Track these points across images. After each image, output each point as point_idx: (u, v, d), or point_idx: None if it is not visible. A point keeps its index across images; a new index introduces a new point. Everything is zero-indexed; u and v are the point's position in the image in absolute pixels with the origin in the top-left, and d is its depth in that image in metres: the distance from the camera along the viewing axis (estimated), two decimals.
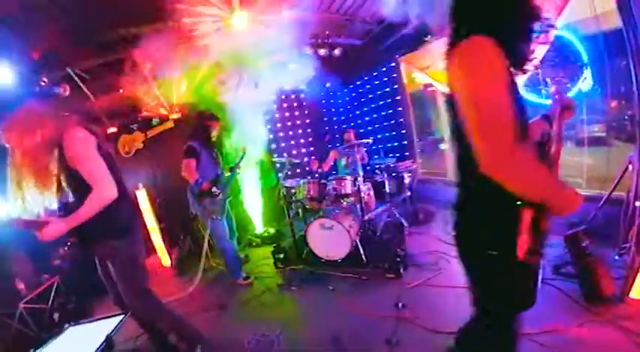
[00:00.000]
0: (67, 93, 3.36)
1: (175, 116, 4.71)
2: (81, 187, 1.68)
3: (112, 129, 4.53)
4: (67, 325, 1.60)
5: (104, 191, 1.68)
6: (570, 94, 2.71)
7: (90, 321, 1.65)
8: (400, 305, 2.37)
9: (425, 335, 2.05)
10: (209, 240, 3.36)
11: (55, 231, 1.62)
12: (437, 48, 3.85)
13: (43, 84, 3.12)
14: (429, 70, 4.09)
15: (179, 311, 2.26)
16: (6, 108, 1.71)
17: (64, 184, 1.71)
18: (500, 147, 0.84)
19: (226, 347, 2.34)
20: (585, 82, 2.58)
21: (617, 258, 2.33)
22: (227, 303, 2.97)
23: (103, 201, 1.68)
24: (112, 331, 1.45)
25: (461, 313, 1.84)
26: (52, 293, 2.85)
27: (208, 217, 3.14)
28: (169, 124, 4.69)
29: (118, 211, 1.78)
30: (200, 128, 3.24)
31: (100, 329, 1.49)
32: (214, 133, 3.31)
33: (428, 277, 2.72)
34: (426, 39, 3.98)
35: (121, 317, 1.58)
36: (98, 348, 1.32)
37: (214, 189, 3.08)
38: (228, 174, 3.44)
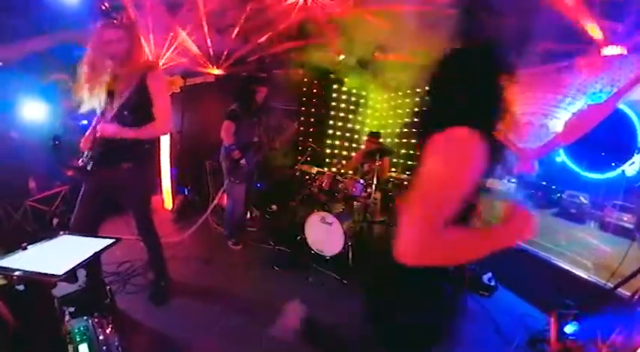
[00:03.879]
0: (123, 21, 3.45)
1: (217, 71, 4.77)
2: (143, 116, 1.96)
3: None
4: (62, 232, 1.67)
5: (167, 124, 2.06)
6: (612, 174, 2.57)
7: (83, 235, 1.72)
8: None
9: None
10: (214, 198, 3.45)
11: (113, 131, 1.87)
12: None
13: (103, 7, 3.22)
14: None
15: (166, 252, 2.38)
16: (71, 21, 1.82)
17: (125, 108, 1.93)
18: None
19: (194, 297, 2.44)
20: (632, 166, 2.45)
21: None
22: (211, 260, 3.06)
23: (162, 132, 2.11)
24: (101, 249, 1.51)
25: None
26: (58, 200, 3.00)
27: (228, 178, 3.23)
28: (210, 78, 4.77)
29: (154, 146, 2.14)
30: (245, 92, 3.25)
31: (90, 244, 1.55)
32: (259, 99, 3.29)
33: None
34: None
35: (112, 240, 1.64)
36: (84, 261, 1.38)
37: (243, 161, 3.16)
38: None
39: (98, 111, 1.98)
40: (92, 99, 1.95)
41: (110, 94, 1.94)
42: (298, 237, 3.48)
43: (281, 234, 3.75)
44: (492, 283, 3.09)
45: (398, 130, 5.80)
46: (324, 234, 3.28)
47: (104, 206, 2.09)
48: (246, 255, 3.34)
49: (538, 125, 3.10)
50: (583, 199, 2.77)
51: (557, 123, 2.88)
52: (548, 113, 3.02)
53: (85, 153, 1.98)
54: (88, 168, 1.95)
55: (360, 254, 3.29)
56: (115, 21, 1.92)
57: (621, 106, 2.56)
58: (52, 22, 2.58)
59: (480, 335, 2.44)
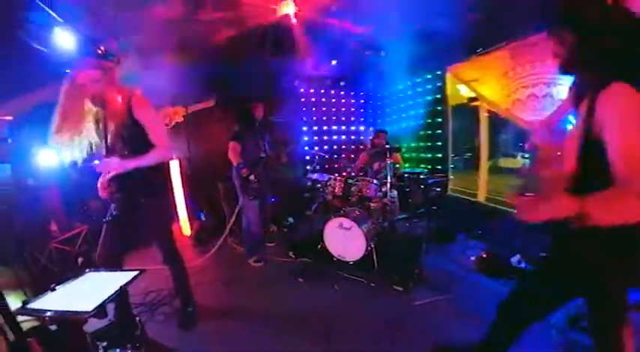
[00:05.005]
0: (120, 63, 3.60)
1: (217, 96, 4.88)
2: (142, 147, 1.94)
3: None
4: (87, 270, 1.71)
5: (167, 148, 2.02)
6: None
7: (108, 271, 1.75)
8: (402, 321, 2.33)
9: None
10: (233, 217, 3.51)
11: (117, 166, 1.87)
12: (488, 61, 3.70)
13: (99, 51, 3.36)
14: (475, 83, 3.94)
15: (190, 278, 2.40)
16: (66, 68, 1.89)
17: (122, 145, 1.95)
18: None
19: (222, 319, 2.44)
20: None
21: None
22: (235, 280, 3.07)
23: (164, 156, 2.04)
24: (126, 283, 1.53)
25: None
26: (80, 240, 3.09)
27: (242, 195, 3.32)
28: (211, 103, 4.87)
29: (164, 171, 2.15)
30: (244, 113, 3.35)
31: (115, 279, 1.57)
32: (258, 116, 3.39)
33: (436, 298, 2.63)
34: (478, 51, 3.82)
35: (137, 272, 1.67)
36: (111, 295, 1.40)
37: (252, 177, 3.24)
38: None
39: (96, 157, 1.98)
40: (81, 146, 1.93)
41: (103, 136, 1.94)
42: (318, 246, 3.47)
43: (301, 246, 3.74)
44: (522, 265, 2.99)
45: (405, 125, 5.78)
46: (344, 240, 3.25)
47: (127, 239, 2.10)
48: (268, 270, 3.33)
49: (542, 96, 3.04)
50: None
51: (562, 89, 2.80)
52: (550, 81, 2.95)
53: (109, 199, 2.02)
54: (115, 212, 2.00)
55: (384, 254, 3.25)
56: (87, 61, 1.89)
57: None
58: (53, 71, 2.71)
59: None
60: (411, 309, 2.49)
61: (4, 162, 2.89)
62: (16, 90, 2.34)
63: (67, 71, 1.86)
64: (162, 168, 2.15)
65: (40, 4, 2.34)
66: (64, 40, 2.94)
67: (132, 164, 1.91)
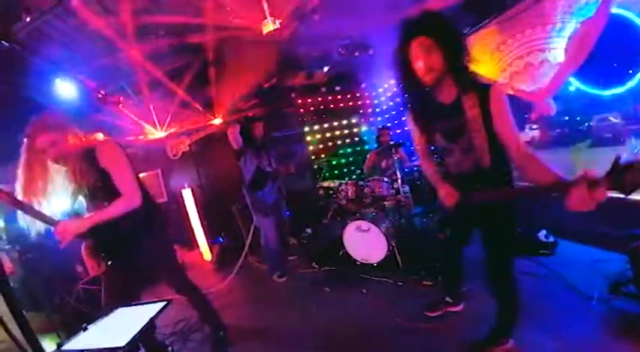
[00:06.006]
0: (122, 103, 3.76)
1: (218, 121, 4.99)
2: (109, 195, 1.82)
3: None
4: (117, 306, 1.73)
5: (134, 197, 1.85)
6: (633, 82, 2.38)
7: (136, 305, 1.76)
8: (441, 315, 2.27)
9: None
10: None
11: (79, 227, 1.72)
12: (478, 39, 3.64)
13: (100, 96, 3.50)
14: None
15: (215, 302, 2.40)
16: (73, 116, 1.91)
17: (88, 193, 1.85)
18: None
19: (254, 338, 2.43)
20: None
21: None
22: (262, 298, 3.06)
23: (130, 206, 1.83)
24: (155, 315, 1.54)
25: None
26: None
27: (255, 214, 3.33)
28: (212, 129, 4.98)
29: (149, 211, 1.98)
30: (244, 132, 3.39)
31: (144, 312, 1.59)
32: (258, 134, 3.38)
33: (468, 287, 2.52)
34: (466, 32, 3.77)
35: (164, 303, 1.67)
36: (142, 328, 1.41)
37: (260, 193, 3.27)
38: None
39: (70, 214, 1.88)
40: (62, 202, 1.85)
41: (76, 193, 1.86)
42: (340, 253, 3.43)
43: (323, 255, 3.71)
44: (550, 239, 2.89)
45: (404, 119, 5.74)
46: (364, 242, 3.22)
47: (131, 286, 2.07)
48: (293, 284, 3.30)
49: (538, 63, 2.97)
50: (613, 119, 2.55)
51: (557, 53, 2.74)
52: (544, 47, 2.90)
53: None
54: (109, 266, 1.95)
55: (407, 251, 3.19)
56: (40, 125, 1.76)
57: (615, 11, 2.39)
58: None
59: (556, 297, 2.25)
60: None
61: None
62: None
63: (24, 139, 1.75)
64: (145, 207, 1.95)
65: (37, 58, 2.44)
66: (66, 89, 3.07)
67: (92, 221, 1.75)
